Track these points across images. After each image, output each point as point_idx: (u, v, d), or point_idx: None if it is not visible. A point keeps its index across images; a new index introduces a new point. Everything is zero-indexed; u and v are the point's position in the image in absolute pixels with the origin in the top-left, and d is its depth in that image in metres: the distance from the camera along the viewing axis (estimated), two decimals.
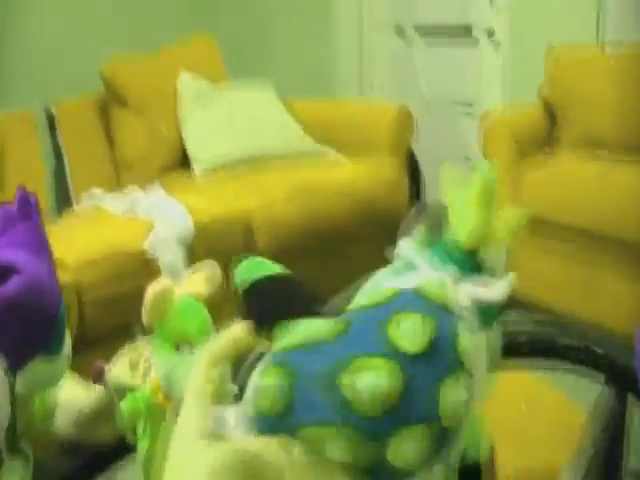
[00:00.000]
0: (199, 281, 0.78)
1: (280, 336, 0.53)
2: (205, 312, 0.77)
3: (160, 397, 0.75)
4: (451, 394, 0.47)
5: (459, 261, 0.51)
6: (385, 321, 0.47)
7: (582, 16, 3.41)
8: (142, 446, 0.77)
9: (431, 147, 3.88)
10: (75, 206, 2.93)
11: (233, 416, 0.49)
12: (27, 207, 0.73)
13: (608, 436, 1.12)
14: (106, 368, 0.84)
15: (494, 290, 0.51)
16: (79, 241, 2.39)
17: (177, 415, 0.63)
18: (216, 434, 0.48)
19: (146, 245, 2.40)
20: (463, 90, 4.07)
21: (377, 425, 0.46)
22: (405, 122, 3.29)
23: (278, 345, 0.50)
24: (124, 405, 0.77)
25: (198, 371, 0.51)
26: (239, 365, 0.52)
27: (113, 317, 2.19)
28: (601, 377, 1.12)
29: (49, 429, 0.91)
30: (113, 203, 2.72)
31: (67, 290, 2.18)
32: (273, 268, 0.60)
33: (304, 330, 0.51)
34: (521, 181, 3.11)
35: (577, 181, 2.98)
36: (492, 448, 0.54)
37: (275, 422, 0.48)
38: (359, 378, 0.46)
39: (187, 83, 3.29)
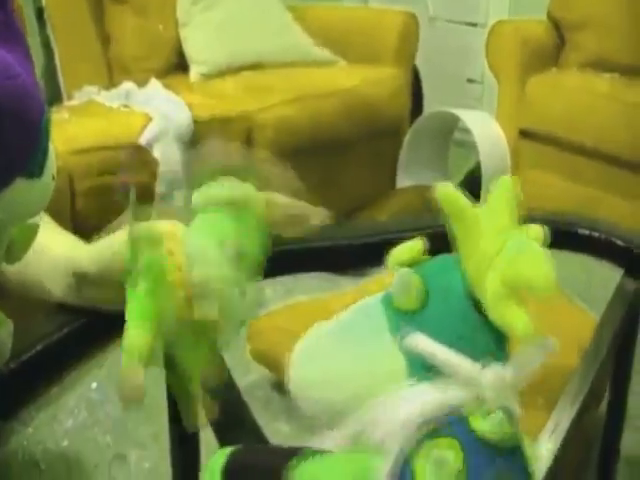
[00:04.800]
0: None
1: None
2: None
3: (178, 277, 0.63)
4: None
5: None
6: None
7: None
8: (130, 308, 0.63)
9: (433, 65, 3.79)
10: (66, 102, 2.82)
11: None
12: None
13: (623, 331, 1.07)
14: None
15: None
16: (71, 130, 2.29)
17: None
18: None
19: (142, 138, 2.31)
20: (468, 8, 3.98)
21: None
22: (411, 31, 3.18)
23: None
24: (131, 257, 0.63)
25: None
26: None
27: (105, 209, 2.10)
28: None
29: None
30: (107, 97, 2.61)
31: (59, 176, 2.10)
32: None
33: None
34: (527, 96, 3.04)
35: (585, 98, 2.91)
36: None
37: None
38: None
39: None
